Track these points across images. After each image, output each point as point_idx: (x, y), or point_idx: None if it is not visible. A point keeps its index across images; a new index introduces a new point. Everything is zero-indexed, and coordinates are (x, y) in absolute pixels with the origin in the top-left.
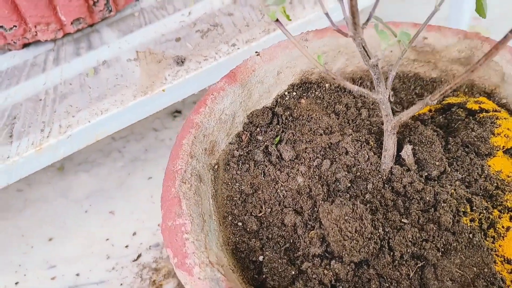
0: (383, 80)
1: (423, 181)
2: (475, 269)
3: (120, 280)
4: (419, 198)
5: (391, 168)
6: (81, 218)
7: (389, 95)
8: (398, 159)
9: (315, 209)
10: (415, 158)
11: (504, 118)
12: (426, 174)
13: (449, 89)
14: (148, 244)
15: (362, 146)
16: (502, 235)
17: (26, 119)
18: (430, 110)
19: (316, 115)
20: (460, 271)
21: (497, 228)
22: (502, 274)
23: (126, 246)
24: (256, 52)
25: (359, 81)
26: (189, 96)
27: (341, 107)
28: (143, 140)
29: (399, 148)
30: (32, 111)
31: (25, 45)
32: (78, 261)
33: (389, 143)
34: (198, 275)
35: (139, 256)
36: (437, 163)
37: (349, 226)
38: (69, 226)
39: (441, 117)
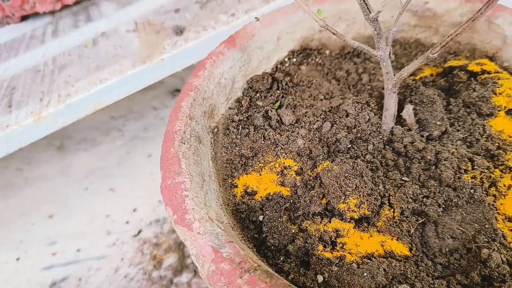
0: (383, 36)
1: (424, 141)
2: (476, 225)
3: (121, 255)
4: (420, 157)
5: (392, 128)
6: (82, 196)
7: (389, 52)
8: (399, 120)
9: (315, 169)
10: (416, 118)
11: (506, 79)
12: (427, 134)
13: (450, 40)
14: (149, 220)
15: (363, 107)
16: (503, 193)
17: (25, 90)
18: (431, 74)
19: (316, 81)
20: (461, 228)
21: (498, 187)
22: (503, 231)
23: (127, 222)
24: (256, 17)
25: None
26: (189, 73)
27: (341, 73)
28: (142, 118)
29: (400, 109)
30: (31, 81)
31: (24, 18)
32: (79, 237)
33: (390, 102)
34: (198, 229)
35: (139, 231)
36: (438, 123)
37: (349, 182)
38: (70, 204)
39: (442, 80)
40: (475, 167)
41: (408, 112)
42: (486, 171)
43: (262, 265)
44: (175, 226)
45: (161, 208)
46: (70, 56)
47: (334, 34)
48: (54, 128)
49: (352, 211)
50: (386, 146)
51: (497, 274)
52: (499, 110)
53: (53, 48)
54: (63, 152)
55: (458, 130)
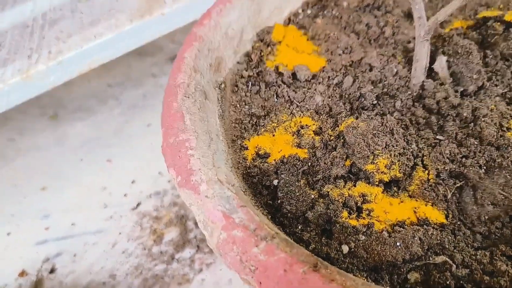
0: None
1: (459, 96)
2: None
3: (119, 229)
4: (455, 115)
5: (423, 82)
6: (77, 167)
7: None
8: (430, 73)
9: (336, 128)
10: (450, 71)
11: None
12: (462, 89)
13: None
14: (148, 192)
15: (389, 60)
16: None
17: (12, 46)
18: (462, 27)
19: (333, 34)
20: (503, 193)
21: None
22: None
23: (125, 195)
24: None
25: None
26: None
27: (361, 26)
28: (141, 86)
29: (431, 61)
30: (18, 38)
31: None
32: (74, 210)
33: (422, 52)
34: (206, 192)
35: (138, 204)
36: (474, 77)
37: (378, 140)
38: (64, 175)
39: (474, 32)
40: None
41: (441, 64)
42: None
43: (280, 233)
44: (179, 190)
45: (162, 180)
46: (61, 11)
47: None
48: (45, 87)
49: (382, 172)
50: (416, 103)
51: None
52: None
53: (43, 3)
54: (57, 122)
55: (496, 85)
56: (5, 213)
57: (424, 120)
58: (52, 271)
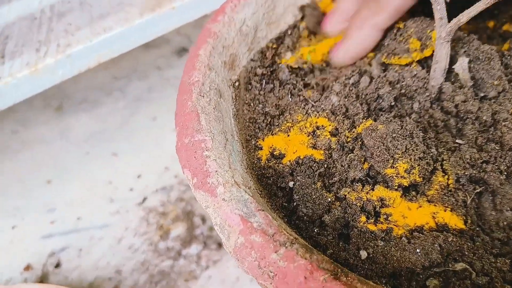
0: None
1: (478, 100)
2: None
3: (125, 224)
4: (474, 118)
5: (441, 84)
6: (82, 160)
7: None
8: (449, 77)
9: (353, 130)
10: (470, 75)
11: None
12: (483, 94)
13: None
14: (154, 187)
15: None
16: None
17: (20, 39)
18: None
19: None
20: None
21: None
22: None
23: (131, 189)
24: None
25: None
26: (197, 31)
27: None
28: (146, 79)
29: (450, 64)
30: (26, 30)
31: None
32: (79, 204)
33: (442, 53)
34: (223, 195)
35: (144, 199)
36: (495, 83)
37: (398, 144)
38: (69, 169)
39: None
40: None
41: (462, 65)
42: None
43: (299, 238)
44: (195, 192)
45: (168, 175)
46: (69, 3)
47: None
48: (53, 82)
49: (402, 177)
50: (433, 105)
51: None
52: None
53: None
54: (62, 114)
55: None
56: (10, 206)
57: (443, 123)
58: (57, 265)
